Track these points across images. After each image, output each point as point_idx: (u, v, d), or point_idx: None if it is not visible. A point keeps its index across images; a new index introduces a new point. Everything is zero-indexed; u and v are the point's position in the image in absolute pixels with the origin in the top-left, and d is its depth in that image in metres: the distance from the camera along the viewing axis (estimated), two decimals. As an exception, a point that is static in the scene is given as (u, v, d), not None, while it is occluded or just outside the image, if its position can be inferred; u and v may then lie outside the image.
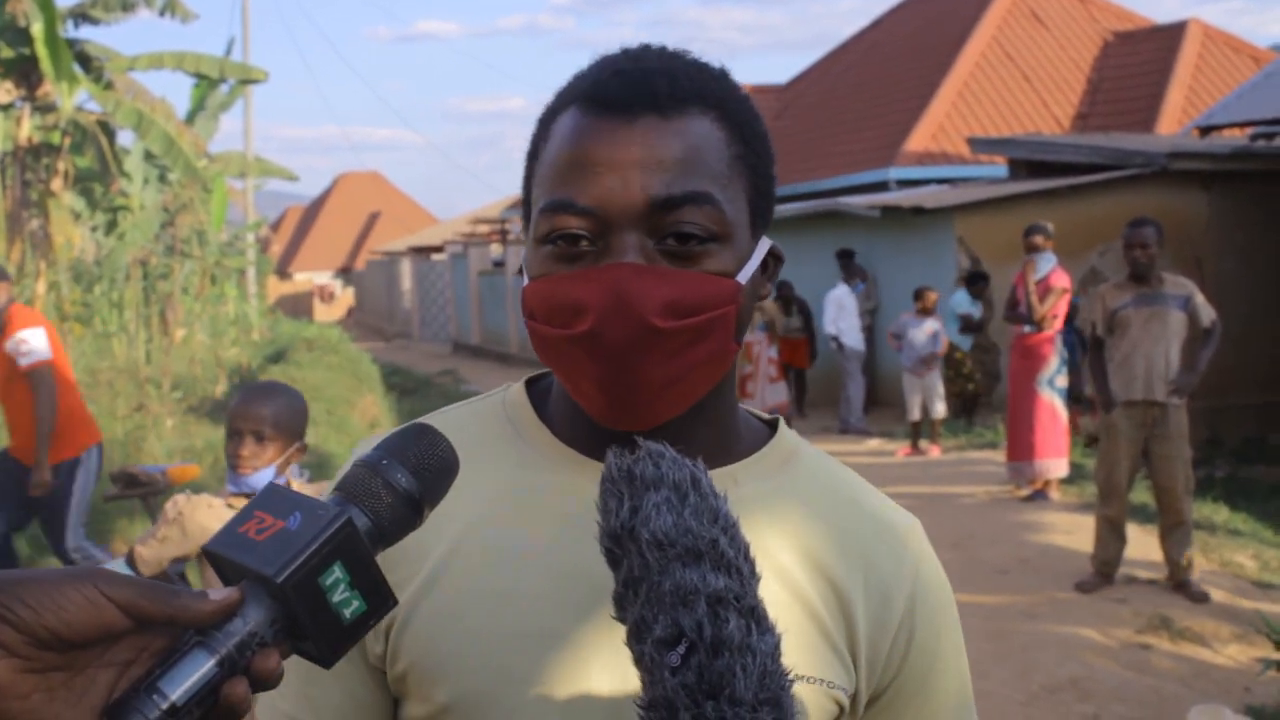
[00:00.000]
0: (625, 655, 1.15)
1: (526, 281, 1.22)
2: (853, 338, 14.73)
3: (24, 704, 0.84)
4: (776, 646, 0.98)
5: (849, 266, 15.36)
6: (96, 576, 0.86)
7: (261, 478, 3.54)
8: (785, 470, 1.30)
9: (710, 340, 1.18)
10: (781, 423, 1.35)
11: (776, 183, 1.29)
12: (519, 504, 1.24)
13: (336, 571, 0.92)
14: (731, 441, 1.29)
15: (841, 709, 1.23)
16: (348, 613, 0.93)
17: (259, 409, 3.58)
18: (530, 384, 1.35)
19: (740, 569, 0.99)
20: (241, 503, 3.57)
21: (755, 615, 0.98)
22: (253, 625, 0.89)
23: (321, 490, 3.68)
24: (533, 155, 1.25)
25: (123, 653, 0.88)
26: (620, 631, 1.08)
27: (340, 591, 0.92)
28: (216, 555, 0.93)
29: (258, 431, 3.56)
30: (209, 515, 3.62)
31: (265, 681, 0.90)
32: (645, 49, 1.25)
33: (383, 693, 1.25)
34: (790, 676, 0.99)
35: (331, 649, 0.93)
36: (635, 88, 1.18)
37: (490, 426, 1.31)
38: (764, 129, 1.26)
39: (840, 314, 14.71)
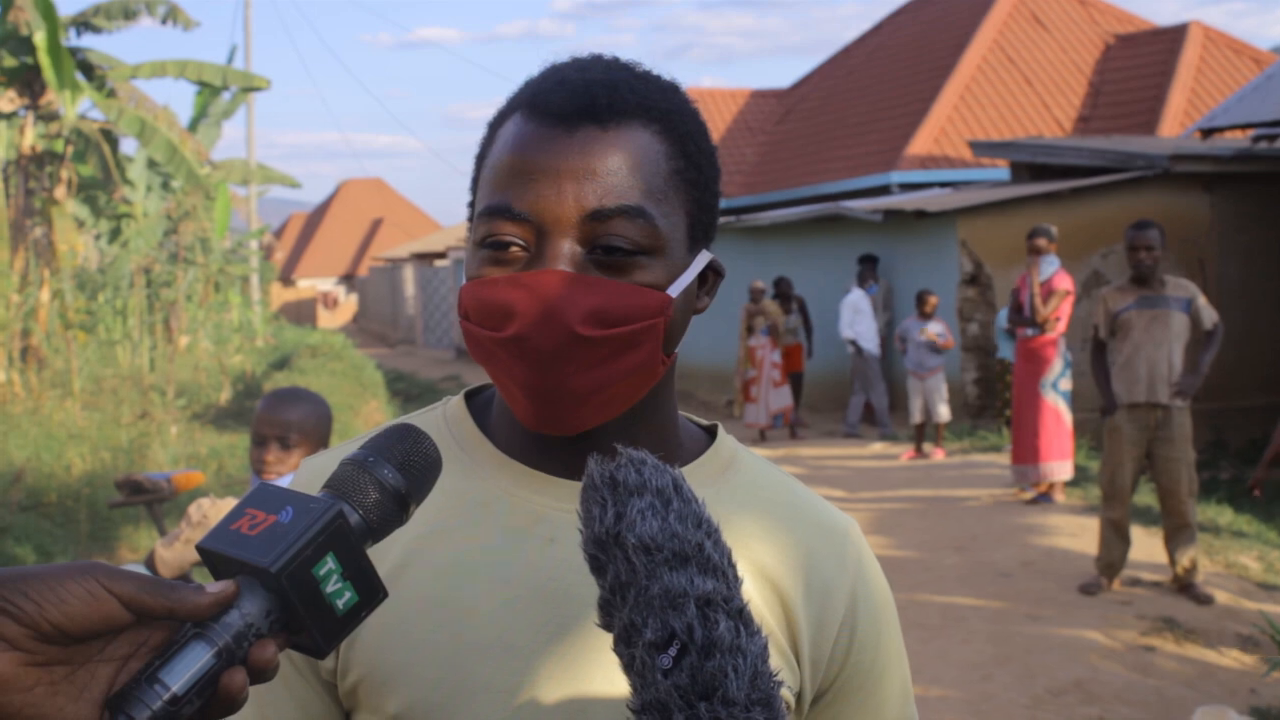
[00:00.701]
0: (573, 665, 1.17)
1: (464, 281, 1.24)
2: (870, 341, 14.67)
3: (27, 697, 0.86)
4: (765, 648, 0.99)
5: (866, 271, 15.21)
6: (98, 570, 0.88)
7: (286, 483, 3.53)
8: (724, 477, 1.32)
9: (638, 351, 1.19)
10: (721, 429, 1.38)
11: (720, 197, 1.30)
12: (464, 516, 1.26)
13: (329, 562, 0.94)
14: (672, 449, 1.31)
15: (788, 707, 1.25)
16: (340, 603, 0.95)
17: (285, 415, 3.60)
18: (470, 396, 1.37)
19: (726, 572, 1.01)
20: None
21: (743, 617, 0.99)
22: (249, 617, 0.92)
23: None
24: (480, 158, 1.27)
25: (122, 648, 0.90)
26: (569, 641, 1.09)
27: (333, 582, 0.94)
28: (211, 552, 0.95)
29: (283, 438, 3.59)
30: None
31: (262, 672, 0.92)
32: (595, 59, 1.26)
33: (335, 706, 1.26)
34: (778, 678, 1.00)
35: (326, 639, 0.96)
36: (576, 98, 1.19)
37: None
38: (709, 144, 1.28)
39: (856, 318, 14.63)
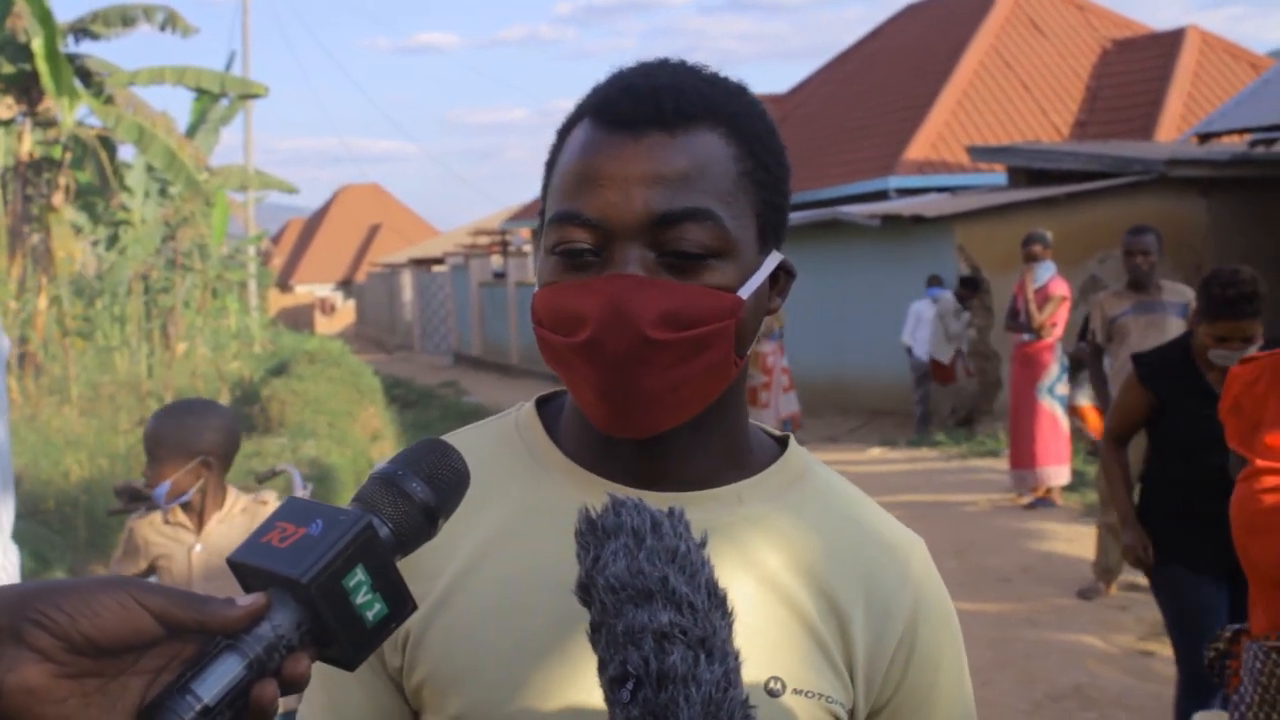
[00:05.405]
0: None
1: (537, 288, 1.25)
2: (920, 348, 14.45)
3: (60, 709, 0.87)
4: (726, 675, 1.00)
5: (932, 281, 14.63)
6: (129, 584, 0.89)
7: (158, 494, 3.59)
8: (792, 489, 1.32)
9: (710, 352, 1.20)
10: (792, 441, 1.37)
11: (790, 198, 1.31)
12: (530, 522, 1.27)
13: (359, 574, 0.94)
14: (741, 456, 1.32)
15: None
16: (370, 615, 0.95)
17: (150, 428, 3.64)
18: (542, 403, 1.38)
19: (692, 602, 1.01)
20: (159, 516, 3.66)
21: (705, 646, 1.00)
22: (280, 629, 0.92)
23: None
24: (550, 165, 1.28)
25: (154, 661, 0.90)
26: None
27: (363, 594, 0.95)
28: (242, 565, 0.95)
29: (150, 451, 3.61)
30: (150, 530, 3.68)
31: (294, 684, 0.93)
32: (661, 64, 1.27)
33: (404, 703, 1.28)
34: (748, 701, 1.01)
35: (356, 651, 0.96)
36: (643, 104, 1.21)
37: (503, 446, 1.33)
38: (778, 145, 1.28)
39: (917, 325, 14.50)
